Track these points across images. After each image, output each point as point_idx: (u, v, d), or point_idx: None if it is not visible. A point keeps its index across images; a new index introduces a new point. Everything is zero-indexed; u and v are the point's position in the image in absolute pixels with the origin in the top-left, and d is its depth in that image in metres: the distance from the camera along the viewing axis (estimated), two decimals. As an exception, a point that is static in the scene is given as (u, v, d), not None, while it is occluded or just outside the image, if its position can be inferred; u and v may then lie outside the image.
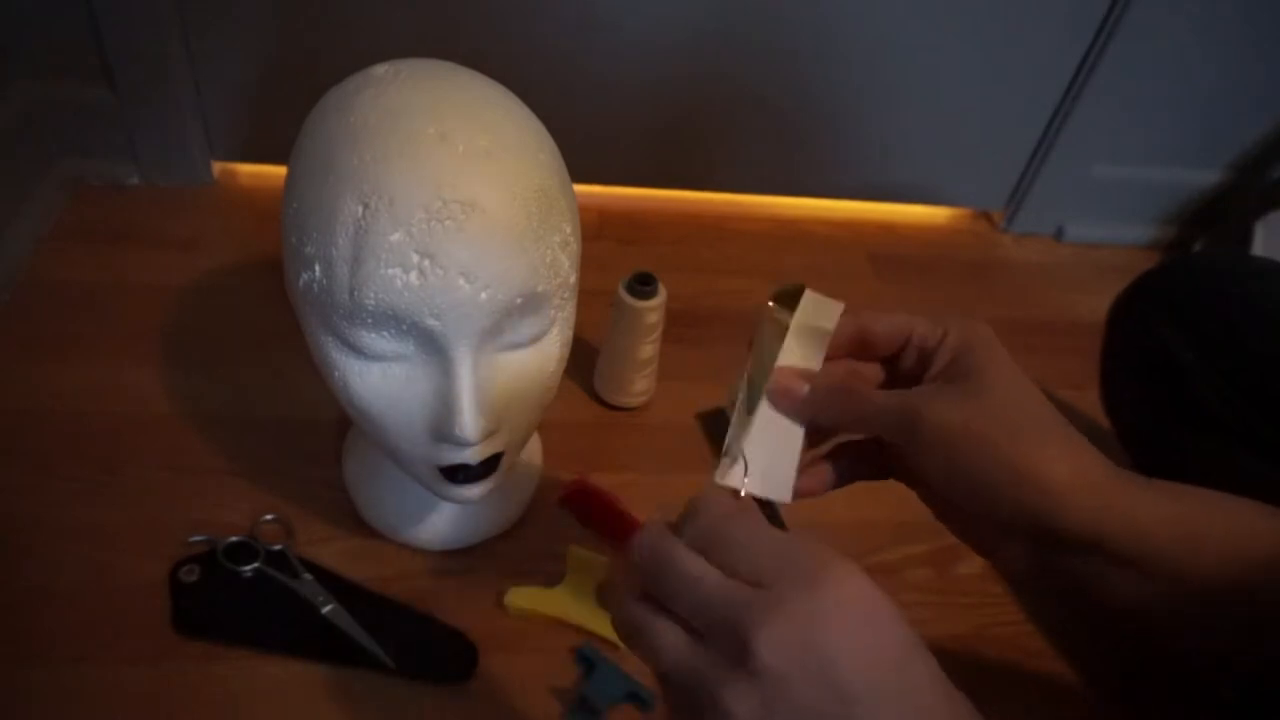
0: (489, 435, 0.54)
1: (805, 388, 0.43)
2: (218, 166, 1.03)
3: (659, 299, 0.76)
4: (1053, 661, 0.72)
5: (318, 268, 0.50)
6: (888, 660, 0.32)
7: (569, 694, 0.63)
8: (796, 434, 0.43)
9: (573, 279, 0.57)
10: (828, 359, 0.44)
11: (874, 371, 0.46)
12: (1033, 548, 0.41)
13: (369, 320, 0.50)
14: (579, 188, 0.59)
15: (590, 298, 0.66)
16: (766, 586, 0.31)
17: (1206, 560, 0.39)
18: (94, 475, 0.71)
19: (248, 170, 1.04)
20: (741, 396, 0.45)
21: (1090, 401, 0.77)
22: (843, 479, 0.47)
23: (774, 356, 0.44)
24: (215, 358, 0.82)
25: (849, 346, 0.44)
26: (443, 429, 0.52)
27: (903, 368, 0.44)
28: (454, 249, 0.48)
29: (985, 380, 0.40)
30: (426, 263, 0.48)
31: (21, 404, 0.75)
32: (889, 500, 0.75)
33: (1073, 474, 0.39)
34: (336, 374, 0.54)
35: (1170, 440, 0.68)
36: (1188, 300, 0.68)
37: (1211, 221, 1.17)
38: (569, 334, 0.59)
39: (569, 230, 0.55)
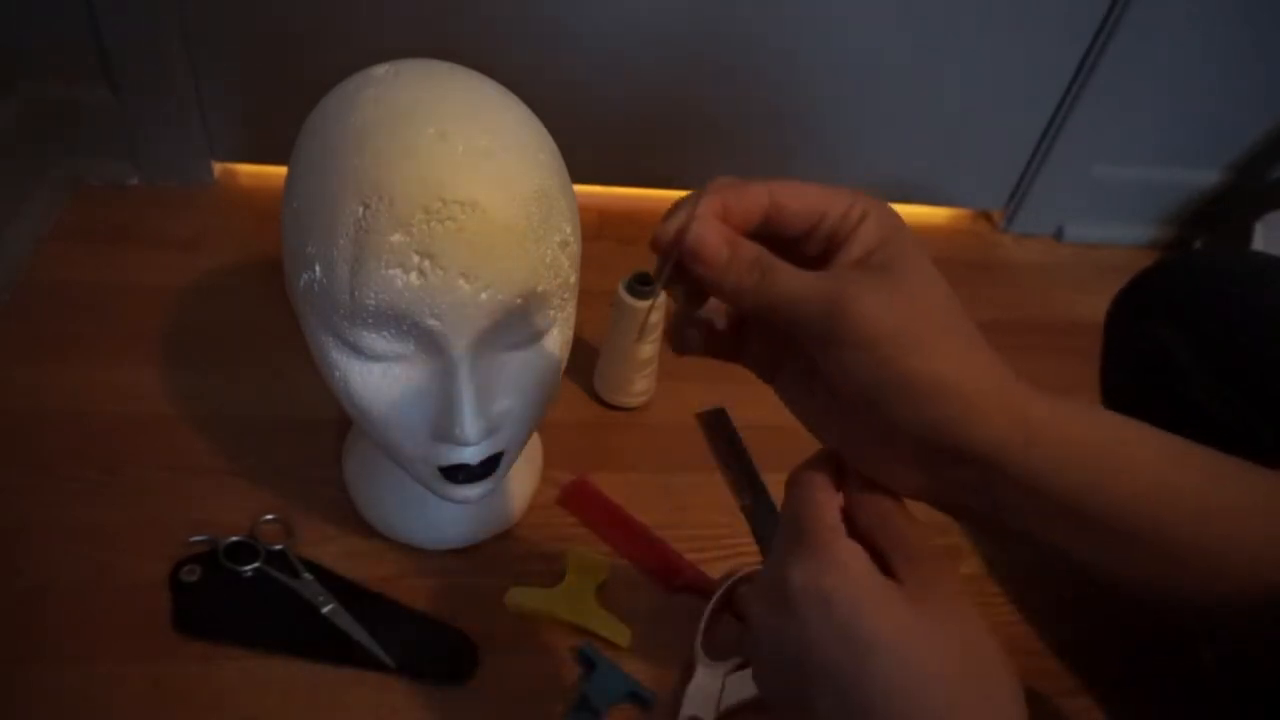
0: (489, 435, 0.54)
1: (725, 251, 0.35)
2: (218, 166, 1.03)
3: (659, 299, 0.76)
4: (1053, 662, 0.72)
5: (318, 268, 0.50)
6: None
7: (569, 694, 0.63)
8: None
9: (573, 279, 0.57)
10: (739, 235, 0.36)
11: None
12: (932, 468, 0.38)
13: (369, 320, 0.50)
14: (579, 188, 0.59)
15: (590, 298, 0.66)
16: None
17: (1123, 490, 0.37)
18: (94, 475, 0.71)
19: (248, 170, 1.04)
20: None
21: (1090, 402, 0.77)
22: (692, 347, 0.42)
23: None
24: (215, 358, 0.82)
25: (758, 223, 0.37)
26: (443, 429, 0.52)
27: (807, 252, 0.37)
28: (454, 249, 0.48)
29: (910, 276, 0.35)
30: (427, 263, 0.48)
31: (21, 404, 0.75)
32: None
33: (999, 383, 0.37)
34: (337, 374, 0.54)
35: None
36: (1186, 300, 0.68)
37: (1211, 221, 1.17)
38: (569, 334, 0.59)
39: (569, 230, 0.55)
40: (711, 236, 0.35)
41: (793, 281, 0.35)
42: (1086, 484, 0.36)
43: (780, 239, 0.37)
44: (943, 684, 0.33)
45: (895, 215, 0.37)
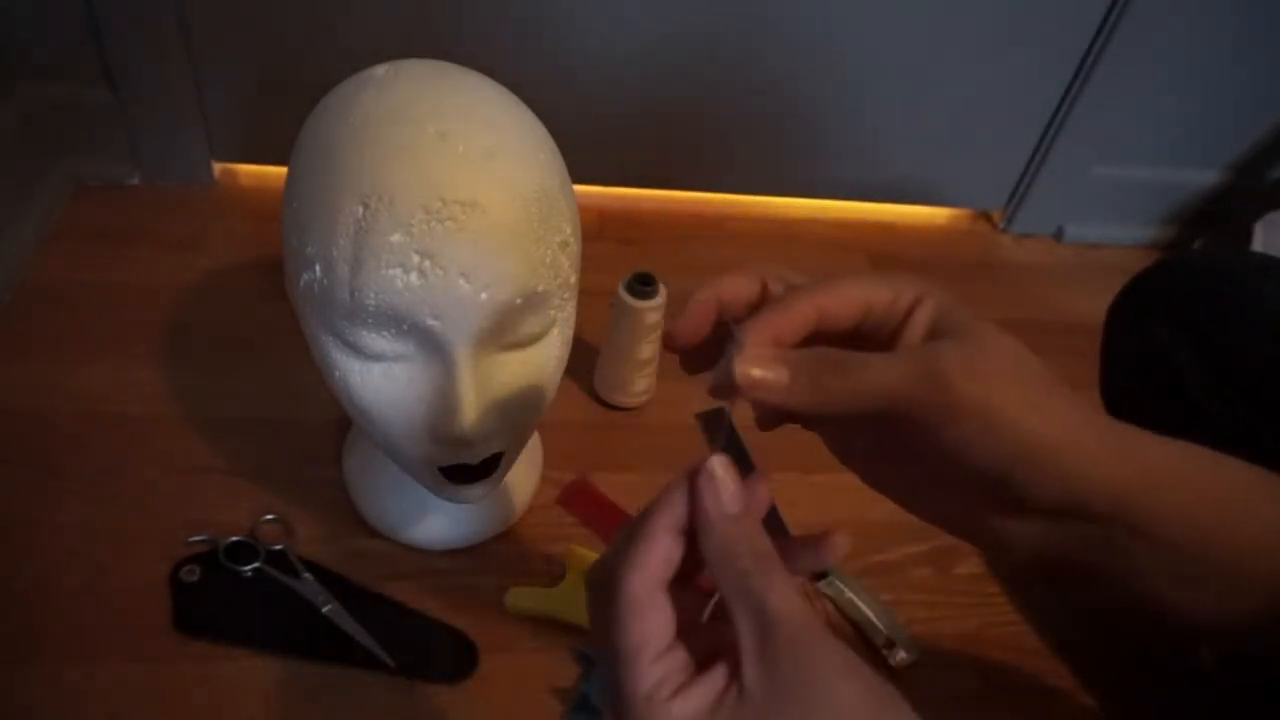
0: (489, 435, 0.54)
1: (785, 371, 0.34)
2: (218, 166, 1.03)
3: (659, 299, 0.76)
4: (1053, 661, 0.72)
5: (318, 268, 0.50)
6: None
7: (569, 694, 0.63)
8: None
9: (573, 279, 0.57)
10: (789, 350, 0.35)
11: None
12: (1048, 526, 0.36)
13: (369, 320, 0.50)
14: (579, 188, 0.59)
15: (590, 298, 0.66)
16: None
17: (1232, 532, 0.35)
18: (94, 475, 0.71)
19: (248, 170, 1.04)
20: None
21: (1090, 401, 0.77)
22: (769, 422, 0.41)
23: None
24: (215, 358, 0.82)
25: (805, 331, 0.36)
26: (443, 429, 0.52)
27: (858, 345, 0.35)
28: (454, 249, 0.48)
29: (988, 341, 0.34)
30: (427, 263, 0.48)
31: (22, 404, 0.75)
32: (889, 500, 0.75)
33: (1108, 430, 0.35)
34: (337, 374, 0.54)
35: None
36: (1185, 300, 0.67)
37: (1211, 221, 1.17)
38: (569, 334, 0.59)
39: (569, 231, 0.55)
40: (763, 371, 0.34)
41: (879, 372, 0.33)
42: (1211, 530, 0.35)
43: (826, 338, 0.36)
44: None
45: (938, 288, 0.36)
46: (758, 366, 0.34)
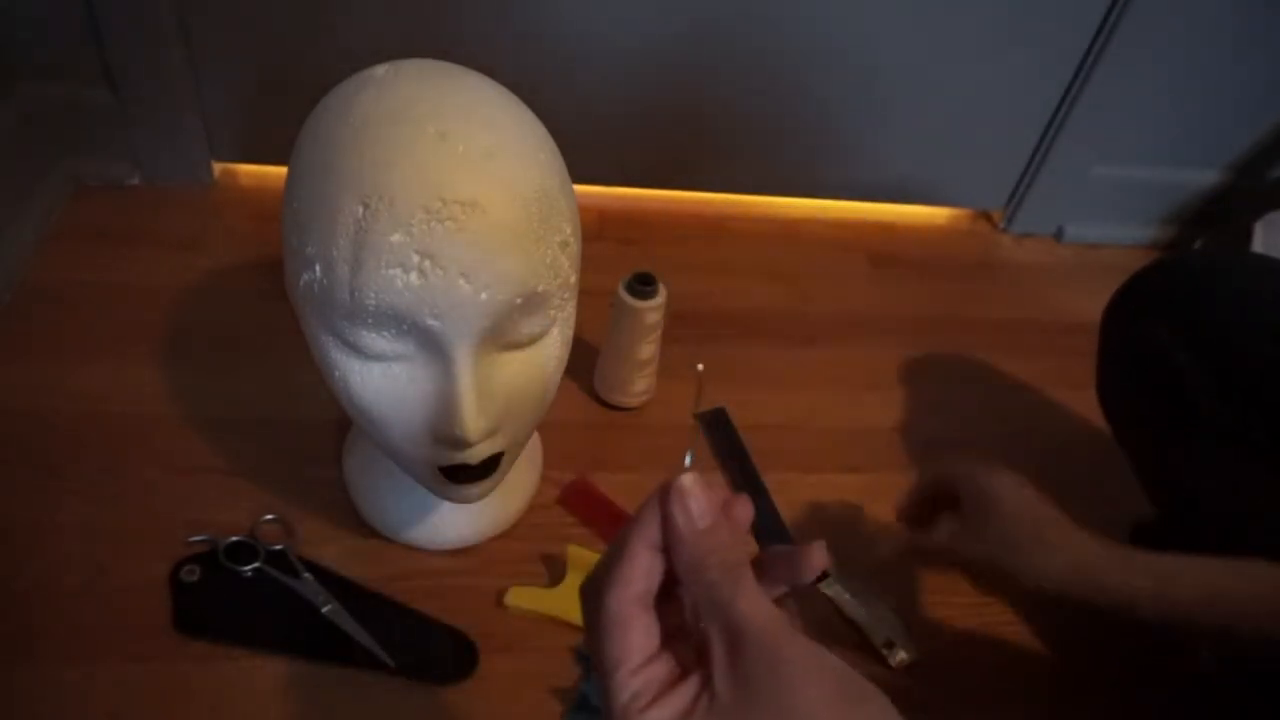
0: (489, 435, 0.54)
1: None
2: (218, 166, 1.03)
3: (659, 299, 0.76)
4: (1052, 661, 0.72)
5: (318, 268, 0.50)
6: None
7: (569, 694, 0.63)
8: None
9: (573, 279, 0.57)
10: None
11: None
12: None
13: (369, 320, 0.50)
14: (579, 188, 0.59)
15: (590, 298, 0.66)
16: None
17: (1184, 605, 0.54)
18: (94, 475, 0.71)
19: (248, 170, 1.04)
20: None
21: (1090, 401, 0.77)
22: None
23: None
24: (215, 358, 0.82)
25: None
26: (443, 429, 0.52)
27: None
28: (454, 249, 0.48)
29: (1005, 504, 0.59)
30: (427, 263, 0.48)
31: (22, 404, 0.75)
32: (889, 500, 0.75)
33: (1109, 547, 0.56)
34: (337, 374, 0.54)
35: (1166, 441, 0.68)
36: (1182, 300, 0.67)
37: (1211, 221, 1.17)
38: (569, 334, 0.59)
39: (569, 231, 0.55)
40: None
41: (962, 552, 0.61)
42: (1197, 601, 0.53)
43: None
44: None
45: (962, 465, 0.63)
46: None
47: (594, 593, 0.32)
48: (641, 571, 0.32)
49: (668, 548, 0.32)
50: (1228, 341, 0.64)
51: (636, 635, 0.31)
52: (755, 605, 0.30)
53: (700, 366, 0.45)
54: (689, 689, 0.30)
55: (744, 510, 0.33)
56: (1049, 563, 0.56)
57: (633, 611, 0.31)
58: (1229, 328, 0.64)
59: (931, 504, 0.65)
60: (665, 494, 0.32)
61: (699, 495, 0.32)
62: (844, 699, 0.29)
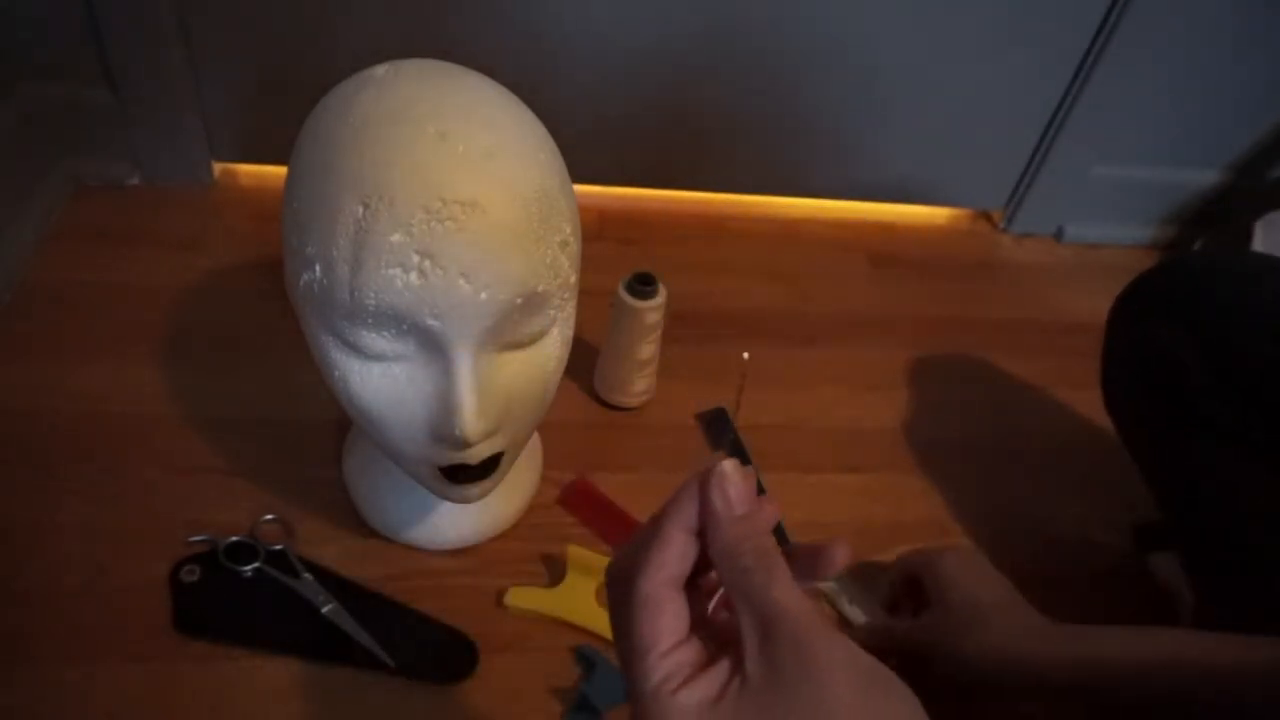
0: (489, 435, 0.54)
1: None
2: (218, 166, 1.03)
3: (659, 299, 0.76)
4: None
5: (318, 268, 0.50)
6: None
7: (569, 694, 0.63)
8: None
9: (573, 279, 0.57)
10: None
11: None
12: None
13: (369, 320, 0.50)
14: (579, 188, 0.59)
15: (590, 298, 0.66)
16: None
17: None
18: (94, 475, 0.71)
19: (248, 170, 1.04)
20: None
21: (1090, 401, 0.77)
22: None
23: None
24: (215, 358, 0.82)
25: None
26: (443, 429, 0.52)
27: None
28: (454, 249, 0.48)
29: (953, 602, 0.58)
30: (427, 263, 0.48)
31: (22, 404, 0.75)
32: (889, 500, 0.75)
33: (1046, 628, 0.56)
34: (337, 374, 0.54)
35: (1170, 441, 0.68)
36: (1187, 301, 0.68)
37: (1211, 221, 1.17)
38: (569, 334, 0.59)
39: (569, 230, 0.55)
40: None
41: (904, 635, 0.60)
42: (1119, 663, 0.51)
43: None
44: None
45: (927, 560, 0.63)
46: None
47: (623, 577, 0.33)
48: (676, 555, 0.33)
49: (703, 532, 0.33)
50: (1228, 342, 0.64)
51: (668, 618, 0.31)
52: (789, 594, 0.31)
53: (746, 355, 0.46)
54: (720, 672, 0.30)
55: (770, 511, 0.34)
56: (981, 639, 0.55)
57: (666, 594, 0.32)
58: (1229, 328, 0.64)
59: (908, 591, 0.64)
60: (706, 478, 0.33)
61: (738, 482, 0.33)
62: (872, 691, 0.29)
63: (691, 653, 0.31)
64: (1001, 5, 0.97)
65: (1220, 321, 0.65)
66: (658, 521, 0.34)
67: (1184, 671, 0.49)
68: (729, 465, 0.33)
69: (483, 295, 0.49)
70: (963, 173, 1.14)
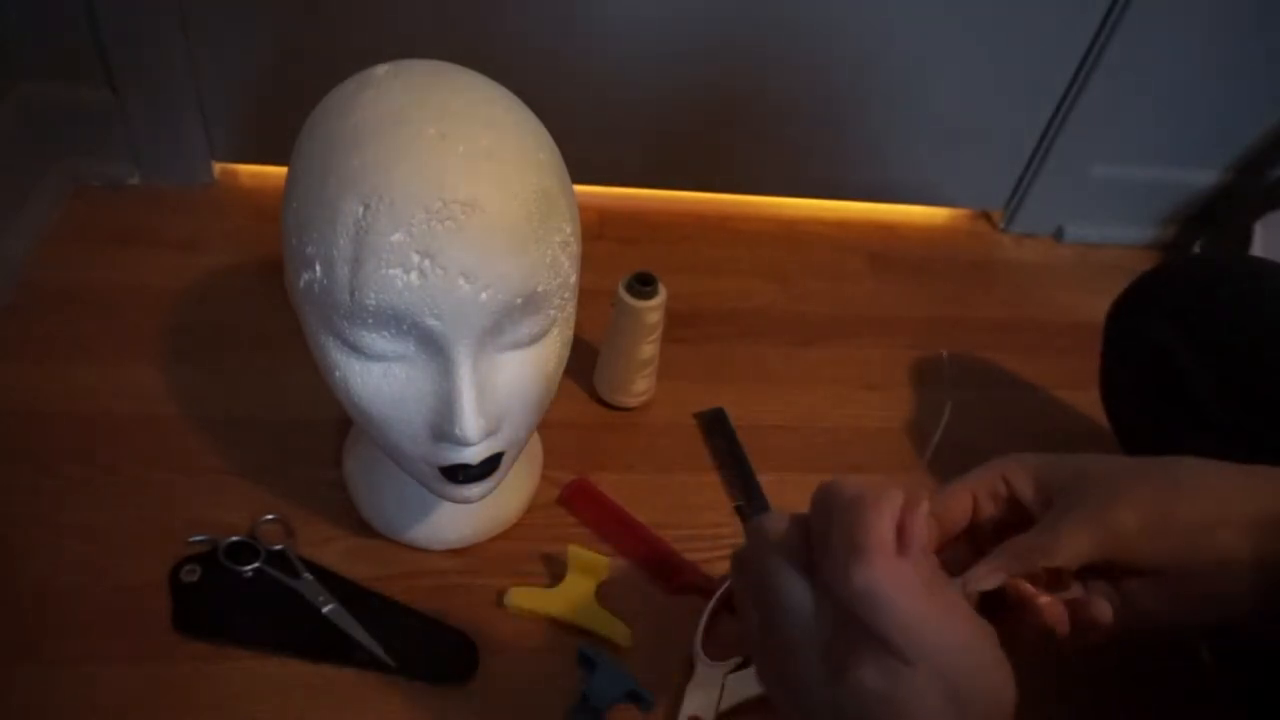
0: (489, 435, 0.54)
1: (1002, 575, 0.43)
2: (218, 166, 1.03)
3: (659, 299, 0.76)
4: (1053, 662, 0.72)
5: (318, 268, 0.50)
6: None
7: (569, 694, 0.63)
8: None
9: (573, 279, 0.57)
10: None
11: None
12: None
13: (369, 320, 0.50)
14: (579, 188, 0.59)
15: (590, 298, 0.66)
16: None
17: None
18: (94, 475, 0.71)
19: (248, 170, 1.04)
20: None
21: (1090, 401, 0.77)
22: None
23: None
24: (215, 358, 0.82)
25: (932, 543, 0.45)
26: (443, 429, 0.52)
27: (983, 532, 0.47)
28: (454, 249, 0.48)
29: (1102, 489, 0.46)
30: (427, 263, 0.48)
31: (22, 404, 0.75)
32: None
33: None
34: (337, 374, 0.54)
35: (1170, 441, 0.68)
36: (1186, 302, 0.68)
37: (1211, 221, 1.17)
38: (569, 334, 0.59)
39: (569, 230, 0.55)
40: (992, 581, 0.43)
41: (1060, 542, 0.43)
42: None
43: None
44: None
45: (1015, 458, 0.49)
46: (988, 581, 0.43)
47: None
48: (961, 512, 0.43)
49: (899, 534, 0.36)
50: (1228, 343, 0.64)
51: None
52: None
53: (945, 353, 0.46)
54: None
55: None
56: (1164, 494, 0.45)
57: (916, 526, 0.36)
58: (1229, 329, 0.64)
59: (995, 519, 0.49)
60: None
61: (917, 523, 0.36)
62: None
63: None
64: (1002, 5, 0.97)
65: (1220, 323, 0.65)
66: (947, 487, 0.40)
67: None
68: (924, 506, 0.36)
69: (483, 295, 0.50)
70: (962, 173, 1.14)
